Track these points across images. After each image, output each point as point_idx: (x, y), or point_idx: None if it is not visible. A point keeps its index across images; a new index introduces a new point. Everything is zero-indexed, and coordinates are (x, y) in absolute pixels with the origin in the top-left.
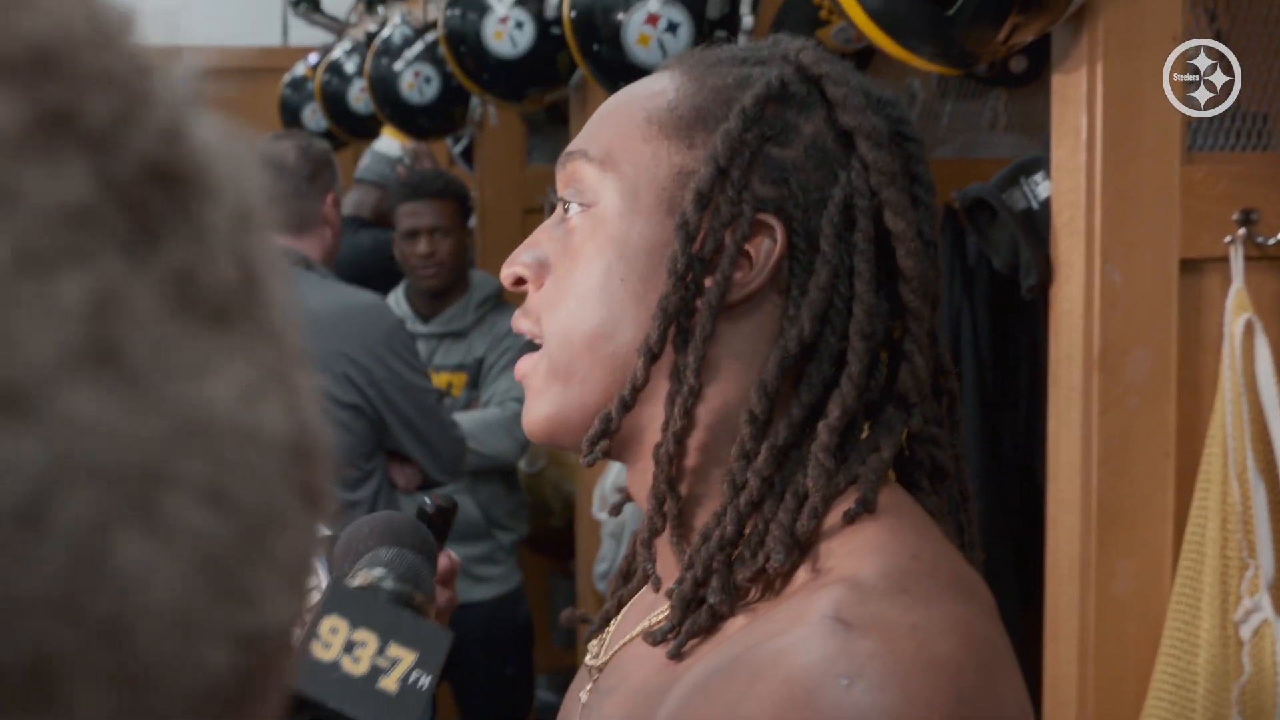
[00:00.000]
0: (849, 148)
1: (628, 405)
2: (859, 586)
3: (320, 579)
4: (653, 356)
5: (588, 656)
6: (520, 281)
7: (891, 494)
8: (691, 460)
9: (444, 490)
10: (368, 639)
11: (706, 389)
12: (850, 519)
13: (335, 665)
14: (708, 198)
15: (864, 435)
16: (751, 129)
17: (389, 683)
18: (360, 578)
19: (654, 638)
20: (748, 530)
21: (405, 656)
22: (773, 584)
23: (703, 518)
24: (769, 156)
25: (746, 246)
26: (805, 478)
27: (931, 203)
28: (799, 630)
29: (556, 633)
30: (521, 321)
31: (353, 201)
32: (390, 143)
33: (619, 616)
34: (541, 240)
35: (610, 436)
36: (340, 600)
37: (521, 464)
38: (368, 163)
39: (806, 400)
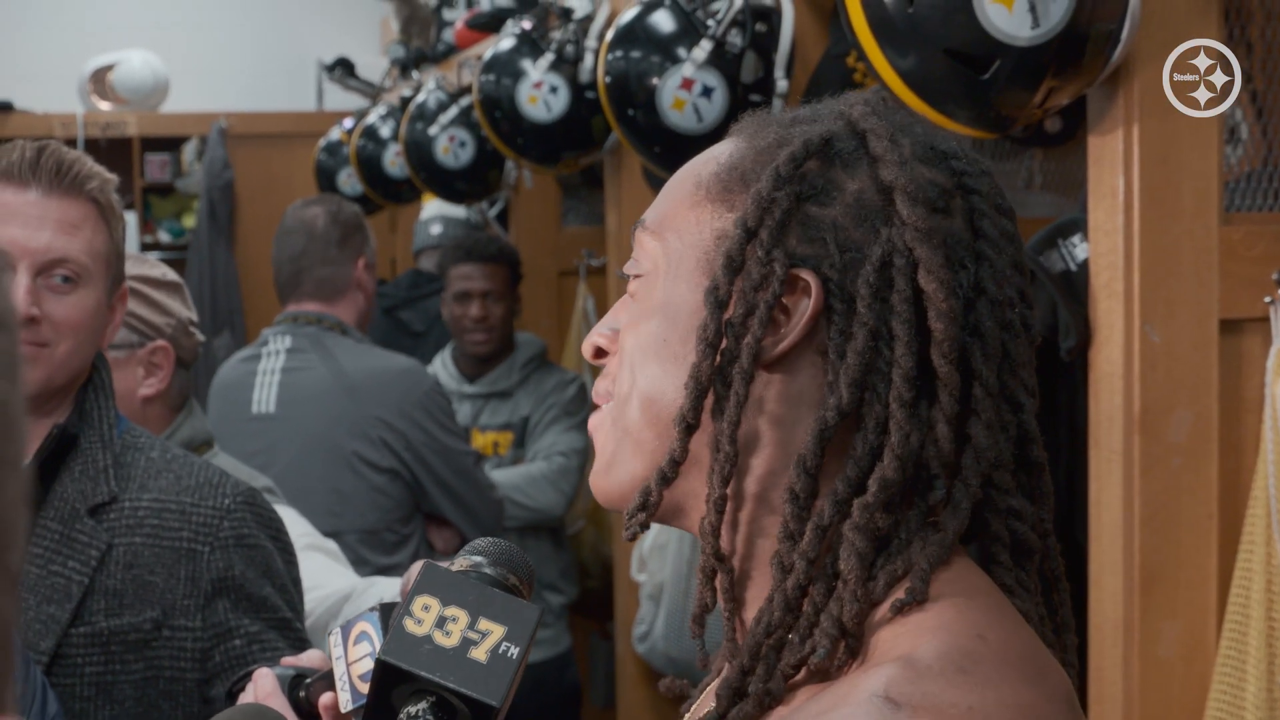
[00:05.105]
0: (892, 204)
1: (667, 479)
2: (913, 665)
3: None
4: (688, 428)
5: None
6: (600, 353)
7: (962, 570)
8: (740, 533)
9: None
10: (459, 615)
11: (749, 459)
12: (899, 610)
13: (427, 639)
14: (738, 261)
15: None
16: (783, 188)
17: (479, 653)
18: (458, 564)
19: None
20: (804, 609)
21: (495, 630)
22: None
23: (754, 591)
24: (807, 215)
25: (786, 301)
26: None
27: (996, 258)
28: (846, 708)
29: (597, 694)
30: (600, 384)
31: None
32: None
33: (700, 697)
34: (618, 311)
35: (648, 511)
36: (432, 581)
37: None
38: (442, 229)
39: (852, 475)
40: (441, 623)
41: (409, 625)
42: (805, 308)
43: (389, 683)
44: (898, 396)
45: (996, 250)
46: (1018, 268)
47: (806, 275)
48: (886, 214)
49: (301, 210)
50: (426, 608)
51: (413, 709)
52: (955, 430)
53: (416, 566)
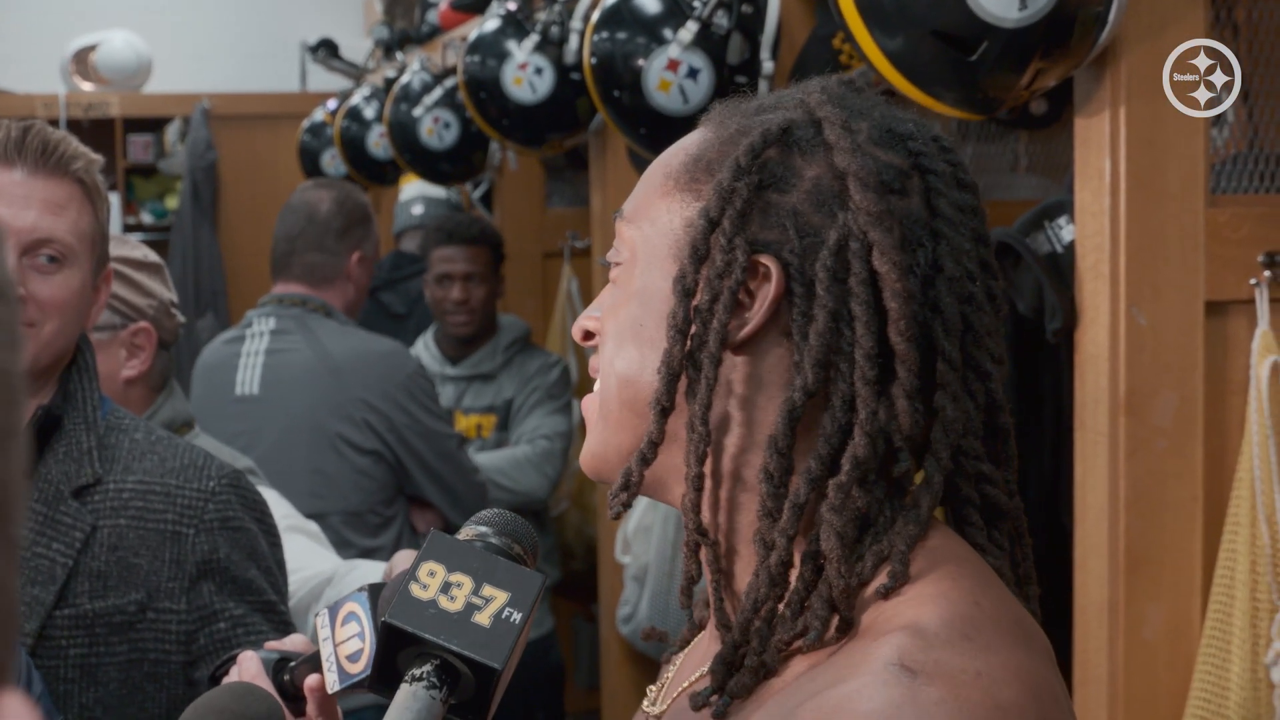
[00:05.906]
0: (847, 190)
1: (647, 460)
2: (922, 633)
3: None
4: (663, 410)
5: (645, 702)
6: (589, 336)
7: (943, 540)
8: (720, 510)
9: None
10: (463, 581)
11: (723, 439)
12: (885, 594)
13: (432, 603)
14: (702, 250)
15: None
16: (743, 178)
17: (482, 618)
18: (464, 533)
19: (697, 700)
20: (794, 584)
21: (498, 596)
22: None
23: (740, 565)
24: (768, 203)
25: (751, 285)
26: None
27: (953, 235)
28: (862, 678)
29: (581, 675)
30: (594, 360)
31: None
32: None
33: (675, 665)
34: (604, 296)
35: (630, 490)
36: (438, 548)
37: None
38: (424, 209)
39: (824, 453)
40: (446, 588)
41: (414, 590)
42: (768, 292)
43: (394, 646)
44: (862, 375)
45: (953, 227)
46: (980, 240)
47: (767, 260)
48: (843, 199)
49: (310, 191)
50: (432, 573)
51: (417, 671)
52: (924, 404)
53: (401, 554)
